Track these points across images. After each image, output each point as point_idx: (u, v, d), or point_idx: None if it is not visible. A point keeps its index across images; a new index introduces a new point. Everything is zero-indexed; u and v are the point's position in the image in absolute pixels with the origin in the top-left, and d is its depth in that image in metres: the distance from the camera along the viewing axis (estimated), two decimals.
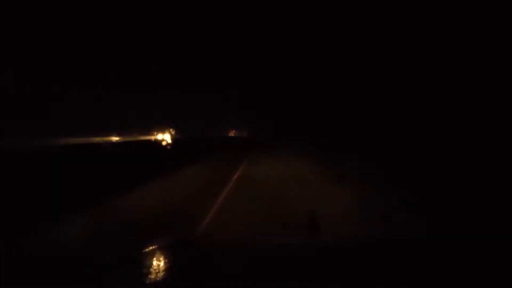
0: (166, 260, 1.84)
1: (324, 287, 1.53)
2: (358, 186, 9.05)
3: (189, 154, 18.55)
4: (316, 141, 26.82)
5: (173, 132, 30.60)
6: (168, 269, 1.71)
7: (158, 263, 1.77)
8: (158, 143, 27.00)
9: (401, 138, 17.30)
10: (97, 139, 18.79)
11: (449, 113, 14.77)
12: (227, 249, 2.13)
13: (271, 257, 1.90)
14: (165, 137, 28.87)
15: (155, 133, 28.78)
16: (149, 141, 26.87)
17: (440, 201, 6.70)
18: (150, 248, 2.02)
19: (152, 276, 1.58)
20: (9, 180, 6.62)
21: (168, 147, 25.67)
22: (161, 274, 1.62)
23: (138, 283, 1.53)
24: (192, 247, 2.19)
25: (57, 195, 6.12)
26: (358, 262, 1.80)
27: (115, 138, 21.05)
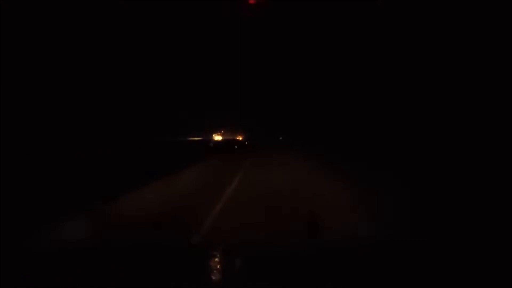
0: (165, 261, 1.83)
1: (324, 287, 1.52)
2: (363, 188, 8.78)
3: None
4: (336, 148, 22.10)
5: None
6: (167, 270, 1.70)
7: (158, 263, 1.76)
8: None
9: (401, 137, 17.32)
10: None
11: (449, 113, 14.87)
12: (227, 249, 2.12)
13: (271, 257, 1.89)
14: None
15: None
16: None
17: (444, 201, 6.67)
18: (150, 247, 2.01)
19: (153, 277, 1.57)
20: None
21: None
22: (161, 275, 1.61)
23: (140, 283, 1.52)
24: (192, 248, 2.19)
25: None
26: (359, 262, 1.79)
27: None
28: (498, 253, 1.82)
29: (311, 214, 2.91)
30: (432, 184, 8.78)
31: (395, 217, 5.63)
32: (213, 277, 1.63)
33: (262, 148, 26.63)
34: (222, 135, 40.20)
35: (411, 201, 6.86)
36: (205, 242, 2.39)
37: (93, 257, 1.86)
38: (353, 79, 25.69)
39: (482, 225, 4.80)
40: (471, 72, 13.70)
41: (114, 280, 1.57)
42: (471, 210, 5.73)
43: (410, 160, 13.09)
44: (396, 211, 6.07)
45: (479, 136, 12.31)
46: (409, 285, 1.53)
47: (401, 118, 18.56)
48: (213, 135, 38.50)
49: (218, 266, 1.80)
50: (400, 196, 7.33)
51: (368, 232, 4.67)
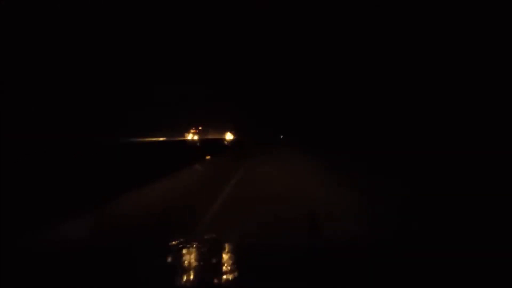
0: (165, 260, 1.85)
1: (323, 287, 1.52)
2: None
3: None
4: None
5: None
6: (168, 269, 1.72)
7: (157, 263, 1.78)
8: None
9: (400, 137, 17.26)
10: None
11: (448, 113, 14.84)
12: (225, 249, 2.12)
13: (271, 258, 1.89)
14: None
15: None
16: None
17: (443, 202, 6.67)
18: (153, 247, 2.05)
19: (152, 277, 1.59)
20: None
21: None
22: (162, 274, 1.63)
23: (139, 283, 1.53)
24: (193, 247, 2.19)
25: None
26: (359, 262, 1.79)
27: None
28: (498, 254, 1.83)
29: (311, 215, 2.91)
30: (433, 184, 8.80)
31: (394, 218, 5.65)
32: (211, 277, 1.63)
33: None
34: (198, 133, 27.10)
35: (411, 201, 6.87)
36: (203, 242, 2.38)
37: (93, 257, 1.86)
38: (353, 78, 25.75)
39: (481, 226, 4.81)
40: (471, 72, 13.69)
41: (114, 280, 1.57)
42: (471, 210, 5.74)
43: (410, 161, 13.08)
44: (396, 212, 6.08)
45: (479, 135, 12.30)
46: (409, 285, 1.53)
47: (401, 118, 18.56)
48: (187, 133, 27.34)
49: (216, 266, 1.79)
50: (400, 197, 7.35)
51: (368, 232, 4.66)
